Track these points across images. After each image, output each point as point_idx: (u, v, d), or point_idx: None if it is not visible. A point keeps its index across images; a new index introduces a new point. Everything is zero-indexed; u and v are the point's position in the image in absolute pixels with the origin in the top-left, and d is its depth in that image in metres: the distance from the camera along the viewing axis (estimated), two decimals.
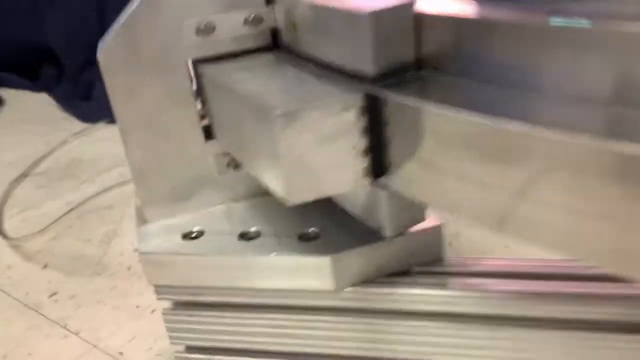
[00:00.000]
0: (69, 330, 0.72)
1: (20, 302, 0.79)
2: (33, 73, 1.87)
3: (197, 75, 0.52)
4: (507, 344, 0.47)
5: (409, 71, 0.40)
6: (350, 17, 0.38)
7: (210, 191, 0.57)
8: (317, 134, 0.38)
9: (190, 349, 0.57)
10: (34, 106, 1.70)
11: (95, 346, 0.69)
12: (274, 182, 0.41)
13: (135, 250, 0.55)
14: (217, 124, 0.52)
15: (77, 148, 1.33)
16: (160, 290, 0.55)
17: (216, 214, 0.56)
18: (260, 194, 0.58)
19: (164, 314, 0.56)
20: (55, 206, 1.06)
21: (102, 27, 1.41)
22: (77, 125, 1.48)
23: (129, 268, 0.84)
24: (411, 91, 0.37)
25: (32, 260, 0.89)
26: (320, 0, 0.42)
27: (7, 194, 1.13)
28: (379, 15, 0.37)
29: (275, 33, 0.52)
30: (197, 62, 0.51)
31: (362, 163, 0.41)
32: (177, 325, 0.56)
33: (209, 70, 0.50)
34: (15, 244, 0.94)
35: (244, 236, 0.52)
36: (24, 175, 1.20)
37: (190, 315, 0.55)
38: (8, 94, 1.83)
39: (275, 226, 0.52)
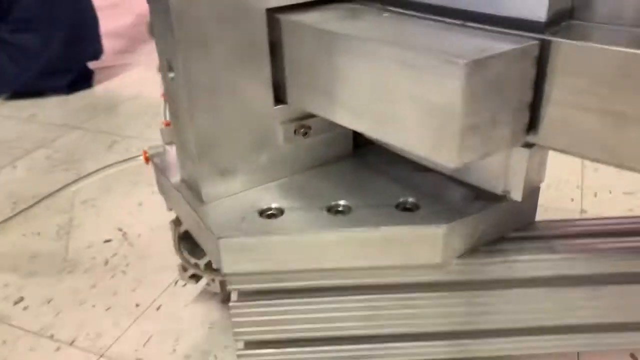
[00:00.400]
0: (58, 340, 0.60)
1: None
2: None
3: (273, 27, 0.44)
4: (613, 302, 0.48)
5: (564, 20, 0.38)
6: None
7: (274, 163, 0.50)
8: (494, 84, 0.35)
9: (260, 343, 0.50)
10: None
11: (102, 355, 0.58)
12: (432, 142, 0.36)
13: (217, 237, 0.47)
14: (298, 84, 0.46)
15: None
16: (236, 279, 0.47)
17: (285, 188, 0.50)
18: (325, 164, 0.53)
19: (233, 306, 0.48)
20: None
21: None
22: None
23: (106, 262, 0.72)
24: (578, 37, 0.35)
25: None
26: None
27: None
28: None
29: None
30: (273, 11, 0.44)
31: (524, 118, 0.38)
32: (251, 318, 0.48)
33: (295, 19, 0.43)
34: None
35: (332, 210, 0.47)
36: None
37: (268, 305, 0.48)
38: None
39: (364, 198, 0.47)
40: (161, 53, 0.45)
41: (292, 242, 0.44)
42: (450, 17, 0.40)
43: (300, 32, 0.43)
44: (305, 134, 0.49)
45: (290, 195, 0.48)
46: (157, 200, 0.84)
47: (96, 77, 1.34)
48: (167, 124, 0.60)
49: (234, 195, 0.49)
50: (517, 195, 0.44)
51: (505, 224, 0.48)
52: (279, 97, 0.48)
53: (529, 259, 0.46)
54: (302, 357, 0.51)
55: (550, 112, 0.37)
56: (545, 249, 0.47)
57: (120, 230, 0.78)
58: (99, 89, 1.30)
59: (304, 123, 0.49)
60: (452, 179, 0.49)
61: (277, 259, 0.45)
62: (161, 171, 0.55)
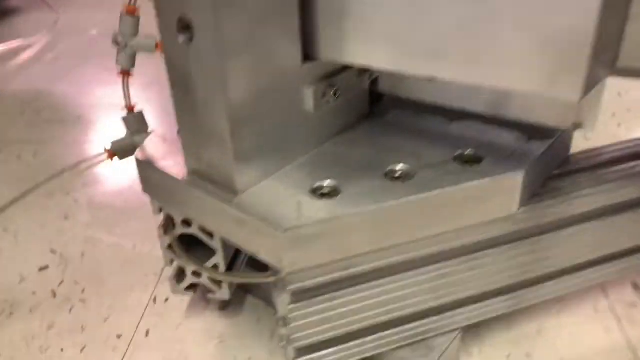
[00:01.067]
0: None
1: None
2: None
3: None
4: None
5: None
6: None
7: (304, 135, 0.42)
8: None
9: (317, 345, 0.43)
10: None
11: None
12: (547, 76, 0.32)
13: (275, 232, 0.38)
14: (340, 28, 0.38)
15: None
16: (294, 277, 0.39)
17: (323, 161, 0.42)
18: (346, 129, 0.46)
19: (291, 310, 0.40)
20: None
21: None
22: None
23: (53, 294, 0.58)
24: None
25: None
26: None
27: None
28: None
29: None
30: None
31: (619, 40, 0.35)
32: (311, 319, 0.41)
33: None
34: None
35: (389, 176, 0.40)
36: None
37: (331, 299, 0.41)
38: None
39: (417, 158, 0.42)
40: (167, 11, 0.35)
41: (365, 221, 0.38)
42: None
43: None
44: (335, 94, 0.42)
45: (336, 168, 0.41)
46: (85, 209, 0.70)
47: None
48: (131, 109, 0.48)
49: (269, 178, 0.40)
50: (590, 127, 0.42)
51: (555, 160, 0.46)
52: (306, 53, 0.40)
53: (588, 193, 0.45)
54: (365, 348, 0.45)
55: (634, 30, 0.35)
56: (596, 180, 0.46)
57: (53, 252, 0.64)
58: None
59: (332, 82, 0.42)
60: (491, 121, 0.46)
61: (347, 243, 0.38)
62: (151, 166, 0.44)
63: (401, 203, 0.38)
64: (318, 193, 0.39)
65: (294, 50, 0.39)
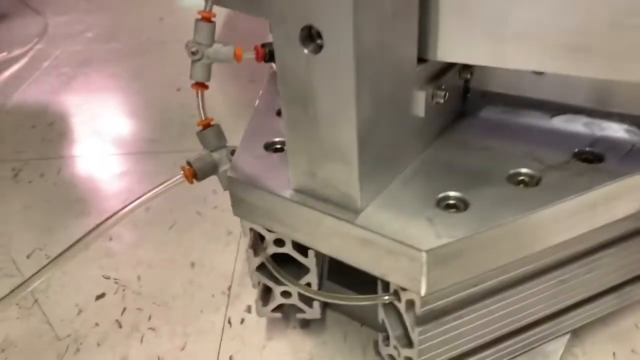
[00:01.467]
0: None
1: None
2: None
3: None
4: None
5: None
6: None
7: (413, 141, 0.39)
8: None
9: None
10: None
11: None
12: None
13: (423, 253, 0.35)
14: (465, 27, 0.35)
15: None
16: (429, 298, 0.36)
17: (435, 168, 0.39)
18: (445, 130, 0.43)
19: (421, 332, 0.37)
20: None
21: None
22: None
23: (119, 325, 0.54)
24: None
25: None
26: None
27: None
28: None
29: None
30: None
31: None
32: (438, 340, 0.38)
33: None
34: None
35: (514, 180, 0.38)
36: None
37: (458, 318, 0.38)
38: None
39: (537, 159, 0.39)
40: (289, 21, 0.31)
41: (503, 234, 0.35)
42: None
43: None
44: (445, 95, 0.39)
45: (453, 175, 0.39)
46: (130, 228, 0.66)
47: None
48: (206, 125, 0.45)
49: (385, 192, 0.37)
50: None
51: None
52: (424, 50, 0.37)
53: None
54: None
55: None
56: None
57: (106, 277, 0.60)
58: None
59: (440, 83, 0.39)
60: (593, 114, 0.43)
61: (484, 259, 0.36)
62: (247, 184, 0.40)
63: (539, 212, 0.35)
64: (444, 205, 0.36)
65: (412, 53, 0.36)
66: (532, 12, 0.33)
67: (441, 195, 0.37)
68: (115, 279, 0.60)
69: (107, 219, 0.46)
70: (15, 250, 0.65)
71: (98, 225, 0.46)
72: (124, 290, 0.58)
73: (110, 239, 0.65)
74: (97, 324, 0.55)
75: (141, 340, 0.53)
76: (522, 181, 0.38)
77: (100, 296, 0.58)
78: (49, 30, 1.33)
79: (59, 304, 0.57)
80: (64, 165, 0.81)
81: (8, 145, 0.86)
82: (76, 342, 0.53)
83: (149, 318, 0.55)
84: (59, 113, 0.95)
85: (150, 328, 0.54)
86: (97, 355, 0.51)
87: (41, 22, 1.37)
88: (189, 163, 0.44)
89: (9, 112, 0.97)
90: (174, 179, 0.45)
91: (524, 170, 0.39)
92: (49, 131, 0.90)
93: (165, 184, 0.45)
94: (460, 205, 0.36)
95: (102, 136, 0.87)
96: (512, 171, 0.38)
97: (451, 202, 0.37)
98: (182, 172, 0.44)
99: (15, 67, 1.15)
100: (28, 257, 0.64)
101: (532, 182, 0.38)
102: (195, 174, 0.44)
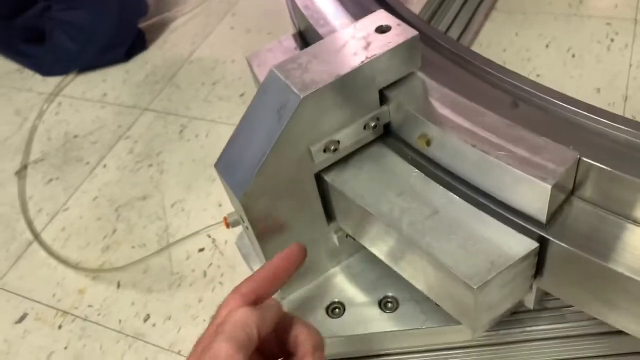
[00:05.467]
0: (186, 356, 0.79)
1: (120, 333, 0.84)
2: None
3: (321, 182, 0.52)
4: None
5: (566, 201, 0.44)
6: (531, 184, 0.41)
7: (328, 258, 0.61)
8: (503, 284, 0.43)
9: None
10: None
11: None
12: (459, 316, 0.47)
13: None
14: (348, 225, 0.55)
15: (60, 117, 1.25)
16: None
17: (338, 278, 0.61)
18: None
19: None
20: (80, 203, 1.04)
21: None
22: (38, 81, 1.36)
23: (204, 274, 0.89)
24: (576, 238, 0.42)
25: (101, 280, 0.91)
26: (482, 145, 0.43)
27: (22, 195, 1.09)
28: (558, 183, 0.40)
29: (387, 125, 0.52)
30: (320, 172, 0.52)
31: (530, 281, 0.47)
32: None
33: (334, 178, 0.51)
34: (71, 262, 0.95)
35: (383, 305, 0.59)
36: (23, 167, 1.15)
37: None
38: None
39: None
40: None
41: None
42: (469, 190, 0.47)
43: (339, 197, 0.51)
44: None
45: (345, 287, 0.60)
46: None
47: (147, 35, 1.40)
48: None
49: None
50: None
51: None
52: (331, 216, 0.57)
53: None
54: None
55: (550, 274, 0.46)
56: None
57: (209, 237, 0.94)
58: (153, 52, 1.37)
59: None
60: None
61: None
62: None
63: None
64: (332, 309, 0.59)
65: (320, 219, 0.57)
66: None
67: (330, 300, 0.59)
68: (214, 239, 0.93)
69: None
70: (167, 198, 1.02)
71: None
72: (215, 249, 0.92)
73: (220, 205, 0.98)
74: (193, 270, 0.90)
75: (212, 290, 0.87)
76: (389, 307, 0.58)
77: (201, 249, 0.92)
78: None
79: (179, 248, 0.93)
80: (212, 128, 1.13)
81: (185, 100, 1.21)
82: (180, 279, 0.89)
83: (221, 275, 0.88)
84: (222, 73, 1.26)
85: (219, 282, 0.87)
86: (187, 292, 0.87)
87: None
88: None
89: (192, 62, 1.31)
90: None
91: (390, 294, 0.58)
92: (210, 91, 1.21)
93: None
94: (337, 308, 0.59)
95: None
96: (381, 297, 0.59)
97: (334, 308, 0.59)
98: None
99: (203, 17, 1.45)
100: (172, 206, 1.00)
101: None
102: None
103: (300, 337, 0.45)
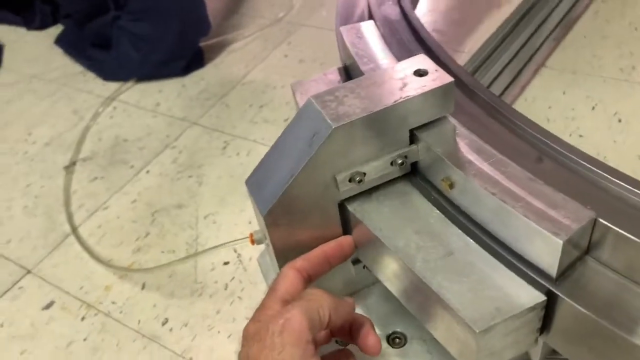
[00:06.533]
0: None
1: (137, 332, 0.86)
2: (24, 8, 1.75)
3: (343, 210, 0.54)
4: None
5: (580, 260, 0.45)
6: (544, 238, 0.42)
7: (344, 286, 0.63)
8: (507, 332, 0.44)
9: None
10: (39, 53, 1.61)
11: None
12: (462, 359, 0.47)
13: None
14: (362, 250, 0.56)
15: (113, 120, 1.31)
16: None
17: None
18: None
19: None
20: (119, 203, 1.09)
21: None
22: (99, 84, 1.44)
23: (225, 287, 0.91)
24: (586, 298, 0.42)
25: (128, 279, 0.95)
26: (501, 194, 0.44)
27: (67, 189, 1.14)
28: (571, 240, 0.41)
29: (415, 164, 0.54)
30: (344, 201, 0.54)
31: (535, 334, 0.47)
32: None
33: (357, 208, 0.53)
34: (103, 259, 0.99)
35: (391, 340, 0.59)
36: (72, 163, 1.21)
37: None
38: (1, 33, 1.72)
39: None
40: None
41: None
42: (486, 236, 0.48)
43: (359, 227, 0.53)
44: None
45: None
46: None
47: (206, 54, 1.46)
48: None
49: None
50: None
51: None
52: None
53: None
54: None
55: (558, 331, 0.46)
56: None
57: (235, 252, 0.96)
58: (209, 70, 1.43)
59: None
60: None
61: None
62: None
63: None
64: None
65: None
66: None
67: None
68: (239, 254, 0.96)
69: None
70: (201, 209, 1.05)
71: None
72: (239, 264, 0.94)
73: (250, 223, 1.01)
74: (216, 282, 0.92)
75: (231, 304, 0.89)
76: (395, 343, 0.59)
77: (226, 263, 0.95)
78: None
79: (205, 258, 0.96)
80: (254, 148, 1.16)
81: (232, 119, 1.25)
82: (202, 288, 0.92)
83: (242, 290, 0.90)
84: (270, 97, 1.30)
85: (239, 297, 0.89)
86: (207, 302, 0.89)
87: None
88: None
89: (245, 84, 1.36)
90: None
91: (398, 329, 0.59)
92: (257, 113, 1.26)
93: None
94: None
95: None
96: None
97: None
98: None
99: (261, 40, 1.52)
100: (205, 217, 1.04)
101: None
102: None
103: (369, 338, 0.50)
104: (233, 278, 0.92)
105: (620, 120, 1.04)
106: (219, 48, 1.48)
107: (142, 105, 1.35)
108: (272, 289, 0.49)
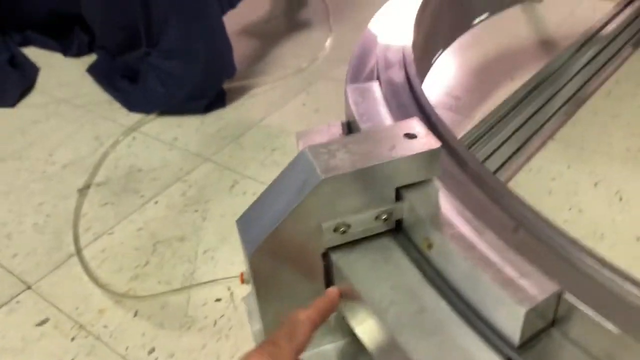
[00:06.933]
0: None
1: (124, 358, 0.88)
2: (63, 35, 1.84)
3: (327, 259, 0.56)
4: None
5: (545, 332, 0.46)
6: (508, 305, 0.43)
7: (323, 334, 0.64)
8: None
9: None
10: (71, 79, 1.69)
11: None
12: None
13: None
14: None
15: (131, 150, 1.36)
16: None
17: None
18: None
19: None
20: (125, 230, 1.12)
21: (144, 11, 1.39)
22: (123, 114, 1.50)
23: (214, 323, 0.92)
24: None
25: (122, 305, 0.97)
26: (474, 259, 0.46)
27: (78, 211, 1.18)
28: (534, 310, 0.43)
29: (400, 220, 0.56)
30: (328, 249, 0.56)
31: None
32: None
33: (339, 257, 0.55)
34: (101, 282, 1.01)
35: None
36: (86, 187, 1.25)
37: None
38: (39, 56, 1.81)
39: None
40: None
41: None
42: (457, 299, 0.50)
43: (340, 276, 0.55)
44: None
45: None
46: None
47: (228, 95, 1.52)
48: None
49: None
50: None
51: None
52: None
53: None
54: None
55: None
56: None
57: (229, 289, 0.98)
58: (229, 111, 1.48)
59: None
60: None
61: None
62: None
63: None
64: None
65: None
66: None
67: None
68: (232, 293, 0.97)
69: None
70: (202, 244, 1.08)
71: None
72: (231, 303, 0.96)
73: None
74: (206, 317, 0.94)
75: (217, 341, 0.90)
76: None
77: (218, 299, 0.97)
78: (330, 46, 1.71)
79: (198, 293, 0.98)
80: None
81: (244, 159, 1.29)
82: (192, 322, 0.93)
83: (230, 328, 0.91)
84: (283, 142, 1.34)
85: (225, 335, 0.90)
86: (195, 336, 0.90)
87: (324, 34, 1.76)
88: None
89: (261, 127, 1.41)
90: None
91: None
92: (268, 155, 1.30)
93: None
94: None
95: None
96: None
97: None
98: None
99: (285, 85, 1.57)
100: (204, 252, 1.06)
101: None
102: None
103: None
104: (223, 315, 0.93)
105: (621, 199, 1.06)
106: (242, 91, 1.54)
107: (161, 137, 1.40)
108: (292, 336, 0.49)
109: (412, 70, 0.70)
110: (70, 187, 1.26)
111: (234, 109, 1.49)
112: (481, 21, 1.09)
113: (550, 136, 1.23)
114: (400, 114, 0.65)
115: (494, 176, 0.56)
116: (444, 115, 1.33)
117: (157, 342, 0.90)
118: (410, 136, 0.54)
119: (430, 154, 0.52)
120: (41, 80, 1.72)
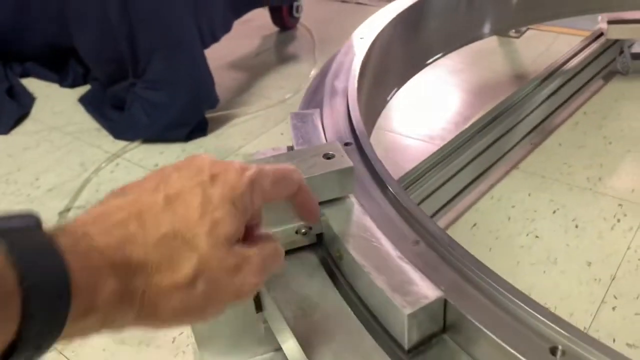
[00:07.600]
0: None
1: None
2: (60, 67, 1.92)
3: None
4: None
5: (436, 337, 0.49)
6: (394, 309, 0.47)
7: (257, 344, 0.67)
8: None
9: None
10: (65, 108, 1.76)
11: None
12: None
13: None
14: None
15: (113, 175, 1.42)
16: None
17: None
18: None
19: None
20: None
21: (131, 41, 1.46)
22: (109, 141, 1.56)
23: (173, 340, 0.96)
24: None
25: None
26: (370, 267, 0.50)
27: None
28: (416, 314, 0.46)
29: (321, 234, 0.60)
30: None
31: None
32: None
33: None
34: None
35: None
36: (67, 210, 1.30)
37: None
38: (37, 87, 1.89)
39: None
40: None
41: None
42: (362, 306, 0.53)
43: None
44: None
45: None
46: None
47: (210, 124, 1.58)
48: None
49: None
50: None
51: None
52: (261, 307, 0.64)
53: None
54: None
55: None
56: None
57: None
58: (210, 139, 1.54)
59: None
60: None
61: None
62: None
63: None
64: None
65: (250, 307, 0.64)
66: None
67: None
68: None
69: None
70: None
71: None
72: None
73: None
74: (165, 334, 0.97)
75: (175, 356, 0.93)
76: None
77: None
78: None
79: None
80: None
81: None
82: (150, 339, 0.96)
83: (187, 345, 0.94)
84: None
85: (183, 351, 0.93)
86: (152, 352, 0.93)
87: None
88: None
89: (238, 155, 1.46)
90: None
91: None
92: None
93: None
94: None
95: None
96: None
97: None
98: None
99: (270, 116, 1.63)
100: None
101: None
102: None
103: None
104: (182, 333, 0.97)
105: (577, 226, 1.08)
106: (224, 120, 1.60)
107: (142, 164, 1.45)
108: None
109: (354, 99, 0.75)
110: (52, 210, 1.30)
111: (214, 137, 1.54)
112: (434, 60, 1.14)
113: (515, 166, 1.26)
114: (334, 138, 0.70)
115: (408, 196, 0.60)
116: (418, 145, 1.38)
117: (116, 357, 0.93)
118: (329, 156, 0.58)
119: (343, 173, 0.57)
120: (36, 108, 1.79)
